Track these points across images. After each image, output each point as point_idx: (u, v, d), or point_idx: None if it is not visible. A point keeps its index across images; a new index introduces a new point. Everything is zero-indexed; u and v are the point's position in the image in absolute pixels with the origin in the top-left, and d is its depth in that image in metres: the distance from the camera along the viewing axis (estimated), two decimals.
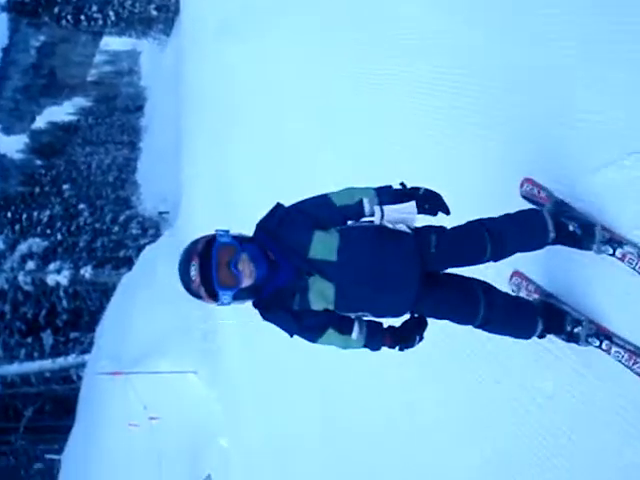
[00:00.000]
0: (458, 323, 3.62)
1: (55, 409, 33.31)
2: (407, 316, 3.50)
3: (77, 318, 34.94)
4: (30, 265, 35.39)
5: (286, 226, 3.30)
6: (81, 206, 38.98)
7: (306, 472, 8.25)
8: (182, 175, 20.12)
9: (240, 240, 3.22)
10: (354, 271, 3.29)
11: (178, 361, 12.47)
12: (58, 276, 34.24)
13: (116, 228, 36.50)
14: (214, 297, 3.11)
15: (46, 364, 34.03)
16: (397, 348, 3.50)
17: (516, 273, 4.34)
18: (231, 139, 14.39)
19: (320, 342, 3.43)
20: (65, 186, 40.82)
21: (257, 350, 10.22)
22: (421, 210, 3.34)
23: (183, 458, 11.60)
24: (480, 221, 3.55)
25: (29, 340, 35.42)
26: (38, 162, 42.98)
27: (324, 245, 3.28)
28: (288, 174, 9.81)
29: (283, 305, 3.33)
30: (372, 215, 3.35)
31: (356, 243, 3.32)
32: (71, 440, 21.67)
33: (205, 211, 15.92)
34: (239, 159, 13.43)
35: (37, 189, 41.17)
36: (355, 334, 3.42)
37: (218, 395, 11.82)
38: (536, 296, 4.14)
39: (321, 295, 3.30)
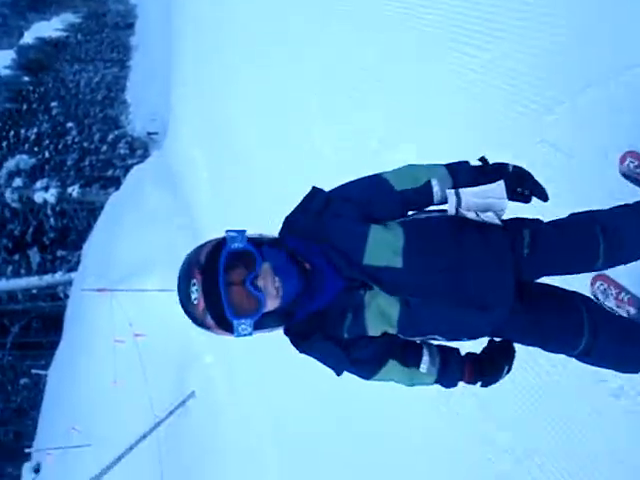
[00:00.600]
0: (551, 351, 2.80)
1: (42, 326, 33.61)
2: (481, 338, 2.69)
3: (64, 236, 34.94)
4: (17, 182, 35.19)
5: (329, 220, 2.44)
6: (69, 124, 38.55)
7: (288, 390, 8.37)
8: (172, 95, 19.84)
9: (260, 244, 2.35)
10: (426, 281, 2.43)
11: (164, 280, 12.47)
12: (45, 194, 34.09)
13: (104, 147, 36.19)
14: (227, 328, 2.24)
15: (33, 281, 34.16)
16: (479, 384, 2.66)
17: (601, 276, 3.49)
18: (223, 60, 14.20)
19: (376, 378, 2.56)
20: (53, 103, 40.27)
21: None
22: (510, 194, 2.49)
23: (168, 375, 11.77)
24: (590, 214, 2.69)
25: (16, 257, 35.46)
26: (26, 78, 42.31)
27: (384, 245, 2.41)
28: (284, 105, 9.70)
29: (327, 332, 2.45)
30: (444, 202, 2.51)
31: (427, 241, 2.46)
32: (57, 356, 21.92)
33: (195, 133, 15.78)
34: (231, 81, 13.28)
35: (25, 106, 40.63)
36: (425, 366, 2.57)
37: None
38: (631, 309, 3.37)
39: (382, 315, 2.44)
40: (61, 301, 30.38)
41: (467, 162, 2.58)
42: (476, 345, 2.64)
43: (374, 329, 2.45)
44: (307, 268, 2.42)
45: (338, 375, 2.55)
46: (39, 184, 34.72)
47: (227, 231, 2.31)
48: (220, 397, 10.18)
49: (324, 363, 2.53)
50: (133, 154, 34.13)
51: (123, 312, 12.63)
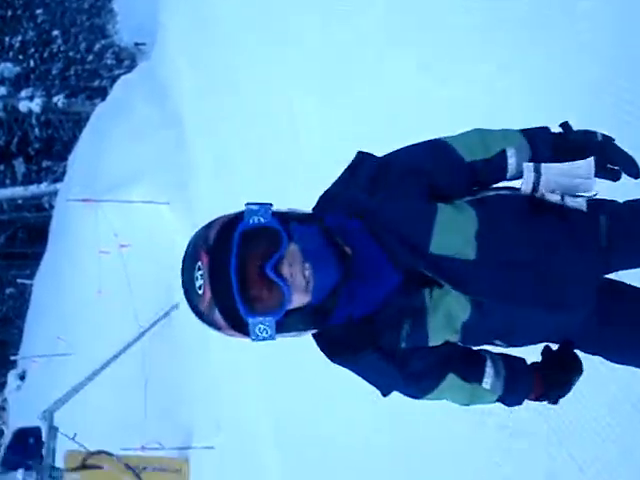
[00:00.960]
0: (615, 362, 2.37)
1: (27, 236, 33.64)
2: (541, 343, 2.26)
3: (50, 147, 34.59)
4: (2, 91, 34.54)
5: (385, 197, 1.93)
6: (55, 32, 37.65)
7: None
8: (160, 5, 19.40)
9: (287, 220, 1.83)
10: (504, 276, 1.94)
11: (150, 191, 12.45)
12: (30, 103, 33.52)
13: (90, 57, 35.46)
14: (240, 328, 1.76)
15: (18, 191, 33.90)
16: (545, 400, 2.21)
17: None
18: None
19: (429, 397, 2.09)
20: (38, 10, 39.19)
21: (234, 184, 10.26)
22: (599, 170, 1.99)
23: (153, 286, 11.83)
24: None
25: (1, 167, 35.13)
26: None
27: (455, 230, 1.92)
28: (276, 18, 9.49)
29: (375, 343, 1.92)
30: (517, 177, 2.05)
31: (504, 227, 1.98)
32: (43, 266, 22.00)
33: (183, 44, 15.48)
34: None
35: (9, 12, 39.59)
36: (488, 381, 2.08)
37: (190, 228, 11.92)
38: None
39: (448, 320, 1.94)
40: (46, 212, 30.33)
41: (547, 128, 2.10)
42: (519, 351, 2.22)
43: (437, 338, 1.96)
44: (347, 253, 1.87)
45: (385, 395, 2.06)
46: (24, 93, 34.10)
47: (247, 204, 1.81)
48: None
49: (368, 380, 2.04)
50: (120, 64, 33.53)
51: (108, 223, 12.61)
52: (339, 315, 1.88)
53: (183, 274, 1.81)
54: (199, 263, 1.73)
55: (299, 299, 1.77)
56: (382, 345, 1.91)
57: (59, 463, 8.39)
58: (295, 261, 1.75)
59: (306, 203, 2.04)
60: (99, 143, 18.14)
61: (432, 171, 1.98)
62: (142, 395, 9.96)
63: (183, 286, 1.81)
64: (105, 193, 13.47)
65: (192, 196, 11.78)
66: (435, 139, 2.06)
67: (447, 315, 1.92)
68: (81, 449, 8.57)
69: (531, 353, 2.22)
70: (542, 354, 2.23)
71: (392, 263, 1.90)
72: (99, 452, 8.58)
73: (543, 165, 1.97)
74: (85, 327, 13.64)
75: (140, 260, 12.13)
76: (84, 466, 8.44)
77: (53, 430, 8.41)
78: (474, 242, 1.91)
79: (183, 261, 1.82)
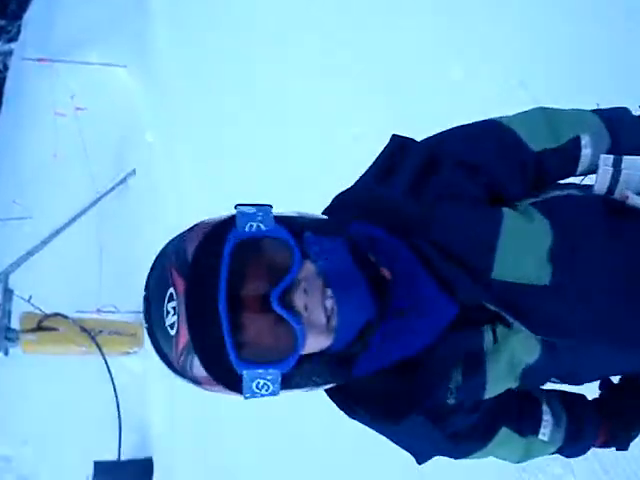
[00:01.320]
0: None
1: None
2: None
3: (4, 5, 33.25)
4: None
5: (433, 200, 1.41)
6: None
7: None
8: None
9: (298, 230, 1.30)
10: (587, 309, 1.45)
11: (107, 54, 12.05)
12: None
13: None
14: (230, 382, 1.25)
15: None
16: (614, 446, 1.78)
17: None
18: None
19: (475, 457, 1.63)
20: None
21: (195, 51, 9.99)
22: None
23: (109, 151, 11.68)
24: None
25: None
26: None
27: (525, 246, 1.42)
28: None
29: (415, 400, 1.41)
30: (588, 172, 1.64)
31: (582, 241, 1.46)
32: None
33: None
34: None
35: None
36: (546, 431, 1.65)
37: (147, 92, 11.65)
38: None
39: (511, 367, 1.48)
40: (1, 73, 29.50)
41: (626, 109, 1.67)
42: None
43: (494, 390, 1.50)
44: (385, 277, 1.36)
45: (420, 463, 1.55)
46: None
47: (237, 206, 1.26)
48: (160, 176, 10.16)
49: (402, 446, 1.54)
50: None
51: (64, 84, 12.27)
52: (368, 363, 1.37)
53: (148, 303, 1.30)
54: (171, 290, 1.22)
55: (316, 342, 1.27)
56: (426, 401, 1.42)
57: (15, 324, 8.44)
58: (312, 288, 1.25)
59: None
60: (55, 1, 17.46)
61: (493, 164, 1.49)
62: (98, 259, 9.97)
63: (146, 320, 1.31)
64: (61, 54, 13.04)
65: (150, 60, 11.45)
66: (490, 120, 1.57)
67: (510, 361, 1.46)
68: (37, 311, 8.63)
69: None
70: (601, 388, 1.89)
71: (446, 291, 1.39)
72: (55, 314, 8.63)
73: (625, 158, 1.50)
74: (41, 191, 13.44)
75: (97, 124, 11.88)
76: (40, 328, 8.51)
77: (8, 292, 8.43)
78: (548, 263, 1.42)
79: (147, 284, 1.31)
